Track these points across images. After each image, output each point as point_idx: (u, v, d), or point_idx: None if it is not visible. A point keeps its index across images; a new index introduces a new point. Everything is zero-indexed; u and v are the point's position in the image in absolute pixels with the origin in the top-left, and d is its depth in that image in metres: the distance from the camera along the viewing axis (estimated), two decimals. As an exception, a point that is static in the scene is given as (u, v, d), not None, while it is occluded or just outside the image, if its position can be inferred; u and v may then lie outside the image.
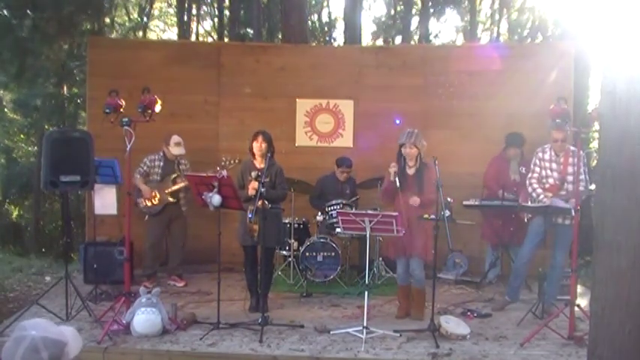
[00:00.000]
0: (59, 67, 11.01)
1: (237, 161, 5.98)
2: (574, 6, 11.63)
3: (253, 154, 5.33)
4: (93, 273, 5.94)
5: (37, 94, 12.21)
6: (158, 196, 6.21)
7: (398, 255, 5.23)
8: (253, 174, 5.16)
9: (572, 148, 5.30)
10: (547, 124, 5.25)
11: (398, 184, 4.99)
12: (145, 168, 6.24)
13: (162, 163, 6.30)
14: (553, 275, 5.40)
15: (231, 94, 7.51)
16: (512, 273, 5.70)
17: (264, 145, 5.23)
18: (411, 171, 5.16)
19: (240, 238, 5.36)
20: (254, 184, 5.08)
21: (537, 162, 5.40)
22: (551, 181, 5.32)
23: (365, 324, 4.59)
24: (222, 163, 5.96)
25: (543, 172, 5.36)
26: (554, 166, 5.32)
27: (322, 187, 6.69)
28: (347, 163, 6.67)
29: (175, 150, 6.26)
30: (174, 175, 6.26)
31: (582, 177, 5.13)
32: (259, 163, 5.27)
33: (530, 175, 5.45)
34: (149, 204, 6.16)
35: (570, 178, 5.25)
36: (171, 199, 6.23)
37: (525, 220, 5.51)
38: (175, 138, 6.25)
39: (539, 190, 5.31)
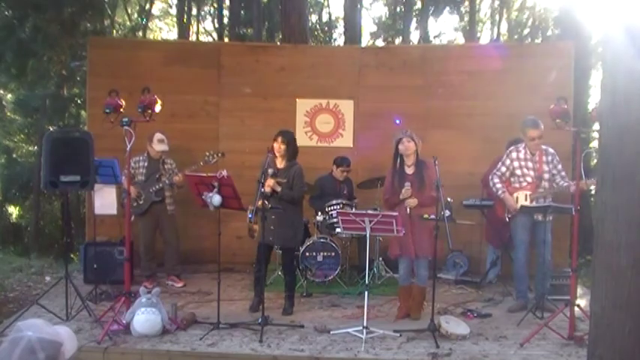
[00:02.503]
0: (60, 67, 11.02)
1: (220, 155, 6.00)
2: (574, 5, 11.63)
3: (274, 154, 5.29)
4: (93, 273, 5.94)
5: (37, 94, 12.22)
6: (143, 195, 6.22)
7: (403, 254, 5.22)
8: (270, 171, 5.15)
9: (543, 147, 5.40)
10: (521, 122, 5.33)
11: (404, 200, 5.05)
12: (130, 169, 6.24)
13: (146, 163, 6.29)
14: (544, 272, 5.45)
15: (231, 94, 7.51)
16: (516, 278, 5.70)
17: (282, 147, 5.22)
18: (409, 170, 5.15)
19: (258, 236, 5.20)
20: (269, 182, 5.08)
21: (508, 162, 5.46)
22: (528, 179, 5.40)
23: (365, 324, 4.59)
24: (206, 158, 5.99)
25: (519, 171, 5.42)
26: (529, 164, 5.39)
27: (321, 186, 6.69)
28: (347, 163, 6.68)
29: (158, 147, 6.24)
30: (157, 174, 6.26)
31: (563, 173, 5.35)
32: (279, 163, 5.27)
33: (494, 171, 5.53)
34: (134, 204, 6.14)
35: (546, 176, 5.36)
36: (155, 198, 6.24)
37: (506, 219, 5.52)
38: (158, 135, 6.24)
39: (499, 185, 5.44)
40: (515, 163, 5.43)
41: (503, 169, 5.48)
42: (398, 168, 5.16)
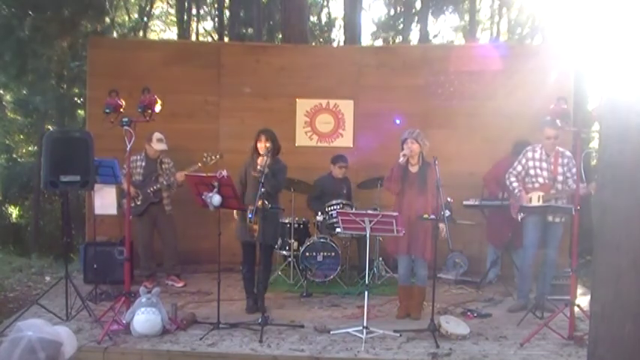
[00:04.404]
0: (61, 67, 11.01)
1: (218, 157, 6.01)
2: (574, 6, 11.64)
3: (258, 154, 5.27)
4: (93, 273, 5.94)
5: (37, 94, 12.20)
6: (141, 196, 6.22)
7: (401, 253, 5.22)
8: (259, 167, 5.09)
9: (560, 149, 5.35)
10: (540, 121, 5.30)
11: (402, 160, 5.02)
12: (126, 169, 6.24)
13: (143, 163, 6.30)
14: (546, 271, 5.46)
15: (231, 94, 7.51)
16: (520, 278, 5.71)
17: (268, 145, 5.21)
18: (413, 169, 5.16)
19: (238, 234, 5.35)
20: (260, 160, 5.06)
21: (524, 161, 5.43)
22: (540, 180, 5.36)
23: (365, 324, 4.59)
24: (204, 159, 6.00)
25: (532, 172, 5.39)
26: (544, 165, 5.35)
27: (321, 187, 6.69)
28: (343, 160, 6.68)
29: (158, 146, 6.24)
30: (155, 175, 6.26)
31: (576, 177, 5.15)
32: (262, 161, 5.24)
33: (511, 169, 5.50)
34: (132, 204, 6.13)
35: (560, 178, 5.31)
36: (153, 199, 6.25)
37: (519, 219, 5.50)
38: (157, 135, 6.24)
39: (515, 184, 5.40)
40: (530, 163, 5.39)
41: (519, 168, 5.45)
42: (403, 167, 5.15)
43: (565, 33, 12.71)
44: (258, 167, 5.10)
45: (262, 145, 5.21)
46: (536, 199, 5.35)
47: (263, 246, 5.22)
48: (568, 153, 5.38)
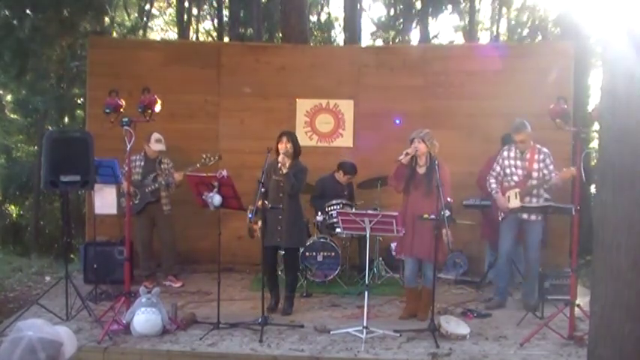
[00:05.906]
0: (60, 67, 11.01)
1: (217, 157, 6.01)
2: (574, 5, 11.62)
3: (277, 153, 5.26)
4: (93, 273, 5.94)
5: (37, 94, 12.20)
6: (139, 195, 6.22)
7: (408, 254, 5.21)
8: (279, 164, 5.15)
9: (538, 146, 5.49)
10: (511, 125, 5.48)
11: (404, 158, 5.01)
12: (125, 168, 6.25)
13: (142, 163, 6.31)
14: (529, 272, 5.57)
15: (231, 94, 7.51)
16: (497, 275, 5.84)
17: (289, 146, 5.24)
18: (421, 170, 5.15)
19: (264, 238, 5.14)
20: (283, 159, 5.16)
21: (500, 161, 5.62)
22: (516, 178, 5.51)
23: (365, 324, 4.59)
24: (203, 160, 6.00)
25: (508, 170, 5.56)
26: (519, 163, 5.51)
27: (322, 187, 6.68)
28: (353, 172, 6.64)
29: (156, 146, 6.26)
30: (154, 174, 6.26)
31: (553, 174, 5.35)
32: (282, 160, 5.21)
33: (490, 171, 5.69)
34: (130, 202, 6.13)
35: (535, 174, 5.45)
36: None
37: (500, 219, 5.61)
38: (156, 135, 6.26)
39: (494, 185, 5.60)
40: (506, 162, 5.57)
41: (498, 168, 5.62)
42: (410, 166, 5.14)
43: (566, 31, 12.67)
44: (279, 164, 5.15)
45: (283, 146, 5.22)
46: (513, 196, 5.46)
47: (287, 249, 5.25)
48: (545, 150, 5.50)
